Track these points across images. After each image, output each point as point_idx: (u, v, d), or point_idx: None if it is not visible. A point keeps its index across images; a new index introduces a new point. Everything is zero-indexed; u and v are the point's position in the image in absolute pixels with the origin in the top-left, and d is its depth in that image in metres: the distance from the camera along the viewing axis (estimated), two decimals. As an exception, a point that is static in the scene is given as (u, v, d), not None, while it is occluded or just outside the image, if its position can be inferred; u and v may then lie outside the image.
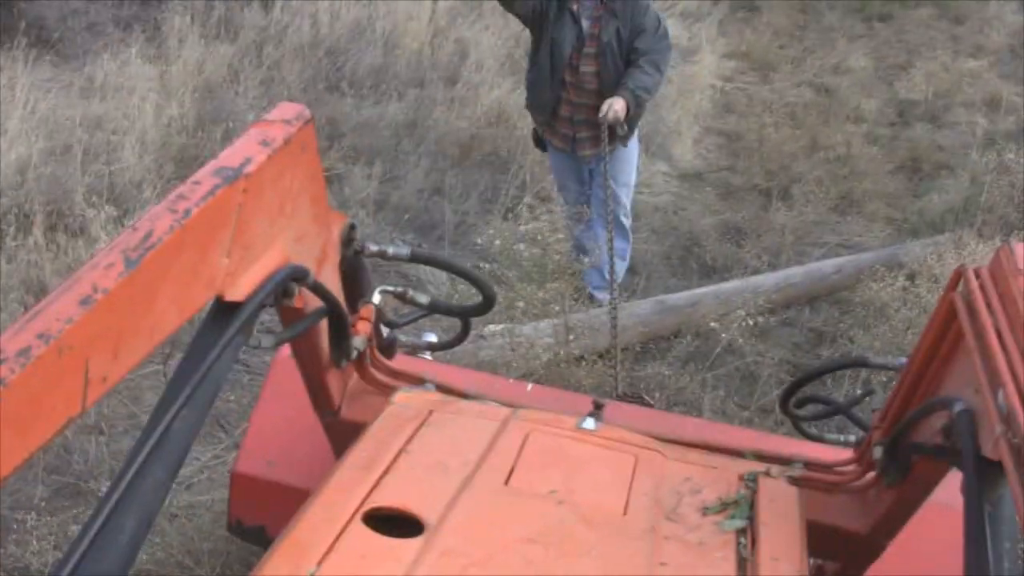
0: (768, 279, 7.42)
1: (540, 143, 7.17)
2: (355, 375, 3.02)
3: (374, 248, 2.79)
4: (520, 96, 8.96)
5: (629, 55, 6.57)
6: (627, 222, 7.25)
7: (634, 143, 7.09)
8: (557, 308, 6.15)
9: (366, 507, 2.33)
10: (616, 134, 6.51)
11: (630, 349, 6.38)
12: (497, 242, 6.62)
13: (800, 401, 3.34)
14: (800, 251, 8.26)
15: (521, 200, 7.96)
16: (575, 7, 6.54)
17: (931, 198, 9.48)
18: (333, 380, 2.85)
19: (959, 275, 2.37)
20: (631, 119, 6.64)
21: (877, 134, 11.31)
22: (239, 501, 3.59)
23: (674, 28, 12.41)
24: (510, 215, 7.74)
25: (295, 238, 2.30)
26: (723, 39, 13.70)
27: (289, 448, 3.42)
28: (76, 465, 5.25)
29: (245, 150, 2.09)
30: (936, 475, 2.55)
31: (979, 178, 9.23)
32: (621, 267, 7.06)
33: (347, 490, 2.39)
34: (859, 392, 3.42)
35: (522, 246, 6.47)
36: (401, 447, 2.58)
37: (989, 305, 2.18)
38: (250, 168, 2.03)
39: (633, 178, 7.29)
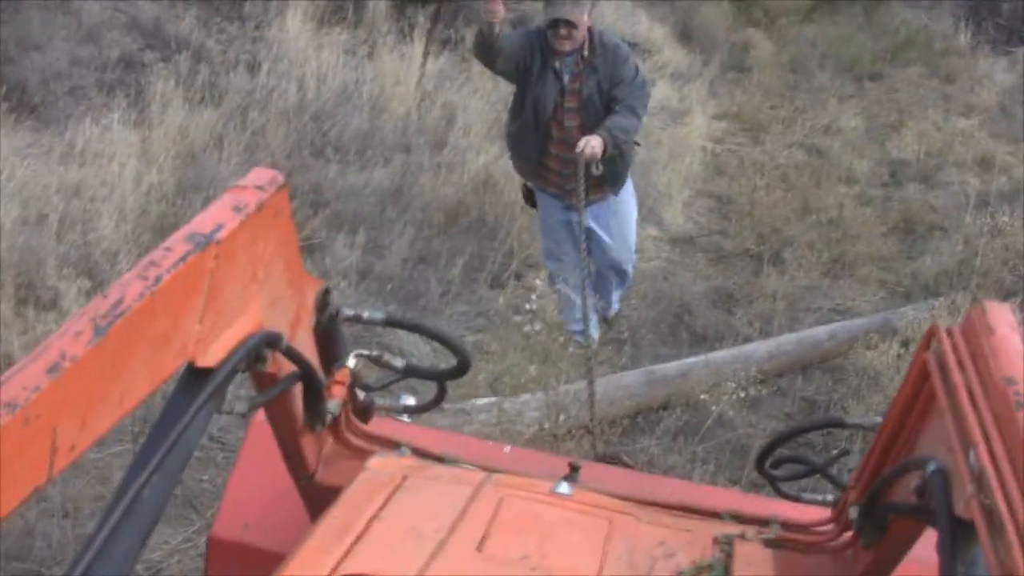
0: (760, 348, 7.28)
1: (531, 199, 7.16)
2: (330, 439, 2.97)
3: (349, 312, 2.76)
4: (508, 161, 8.89)
5: (609, 104, 6.67)
6: (631, 269, 7.49)
7: (630, 194, 7.23)
8: (553, 382, 6.00)
9: (338, 574, 2.29)
10: (591, 173, 6.47)
11: (618, 423, 6.24)
12: (491, 309, 6.51)
13: (776, 462, 3.28)
14: (792, 317, 8.13)
15: (508, 267, 7.83)
16: (557, 64, 6.64)
17: (924, 260, 9.39)
18: (308, 444, 2.81)
19: (932, 334, 2.33)
20: (615, 163, 6.73)
21: (869, 195, 11.23)
22: (216, 566, 3.48)
23: (665, 90, 12.42)
24: (496, 284, 7.61)
25: (269, 303, 2.29)
26: (713, 100, 13.67)
27: (266, 512, 3.33)
28: (39, 551, 5.04)
29: (217, 216, 2.07)
30: (912, 534, 2.50)
31: (973, 240, 9.13)
32: (616, 296, 7.50)
33: (319, 557, 2.35)
34: (835, 452, 3.38)
35: (518, 317, 6.37)
36: (374, 513, 2.54)
37: (961, 364, 2.15)
38: (222, 234, 2.02)
39: (634, 228, 7.41)
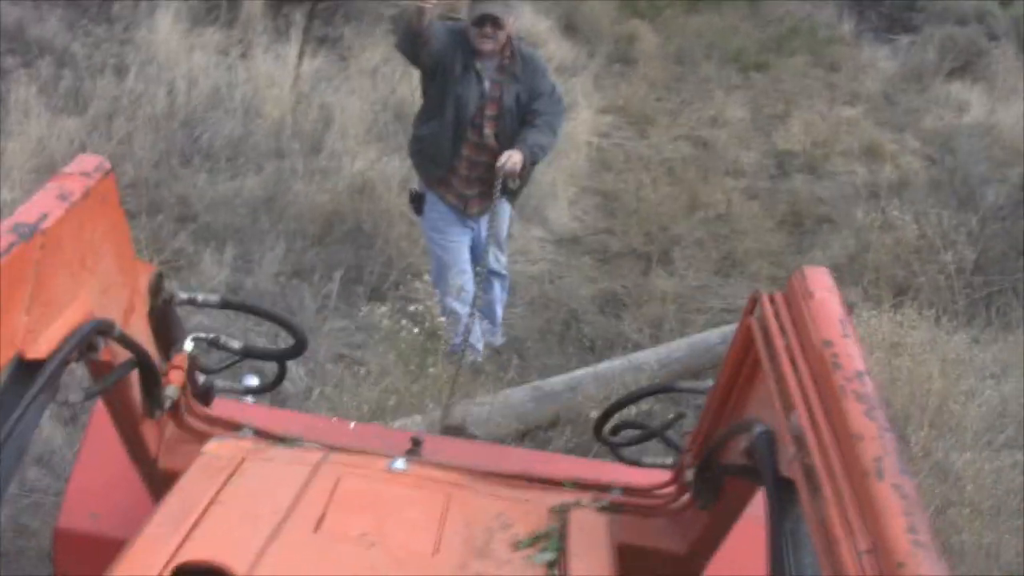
0: (650, 355, 7.04)
1: (419, 205, 6.84)
2: (171, 424, 2.98)
3: (184, 296, 2.80)
4: (385, 165, 8.61)
5: (525, 116, 6.55)
6: (506, 272, 7.32)
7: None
8: (431, 404, 5.71)
9: (175, 562, 2.29)
10: (507, 187, 6.51)
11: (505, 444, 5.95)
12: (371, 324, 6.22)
13: (616, 428, 3.36)
14: (683, 319, 7.94)
15: (388, 278, 7.52)
16: (479, 66, 6.43)
17: (815, 255, 9.28)
18: (148, 431, 2.82)
19: (755, 300, 2.44)
20: (524, 177, 6.61)
21: (757, 188, 11.15)
22: (64, 558, 3.42)
23: (548, 84, 12.14)
24: (376, 296, 7.29)
25: (100, 291, 2.28)
26: (599, 93, 13.49)
27: (112, 500, 3.29)
28: None
29: (42, 205, 2.06)
30: (746, 495, 2.57)
31: (863, 234, 9.04)
32: (500, 312, 7.28)
33: (156, 545, 2.35)
34: (671, 416, 3.31)
35: (395, 323, 6.10)
36: (212, 498, 2.55)
37: (782, 328, 2.25)
38: (47, 223, 2.01)
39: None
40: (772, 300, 2.37)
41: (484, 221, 6.71)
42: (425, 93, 6.64)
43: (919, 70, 16.37)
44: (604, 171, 11.25)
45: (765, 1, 19.74)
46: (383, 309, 6.26)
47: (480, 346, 6.90)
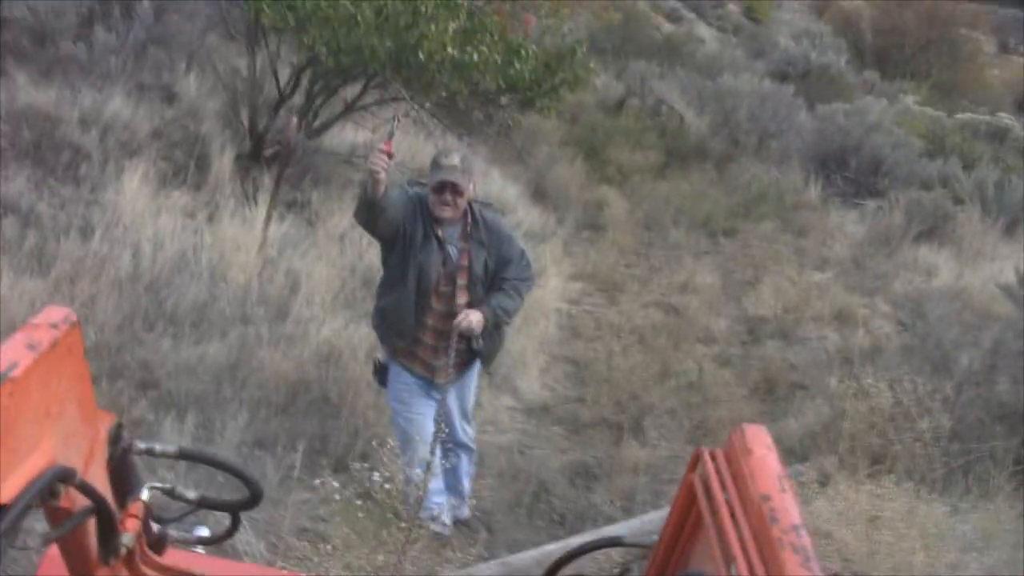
0: (622, 530, 6.84)
1: (383, 376, 6.70)
2: (125, 572, 2.88)
3: (142, 446, 2.79)
4: (353, 332, 8.44)
5: (494, 283, 6.50)
6: (473, 445, 7.14)
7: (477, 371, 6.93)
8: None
9: None
10: (471, 347, 6.48)
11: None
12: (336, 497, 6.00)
13: None
14: (655, 491, 7.77)
15: (354, 448, 7.28)
16: (440, 233, 6.32)
17: (788, 423, 9.18)
18: None
19: (697, 457, 2.53)
20: (493, 341, 6.61)
21: (728, 355, 11.09)
22: None
23: (517, 250, 12.10)
24: (340, 467, 7.06)
25: (62, 438, 2.28)
26: (568, 260, 13.50)
27: None
28: None
29: (11, 354, 2.08)
30: None
31: (836, 401, 8.92)
32: (468, 485, 7.09)
33: None
34: (616, 572, 3.43)
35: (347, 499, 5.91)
36: None
37: (723, 484, 2.33)
38: (16, 372, 2.03)
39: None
40: (713, 457, 2.47)
41: (452, 390, 6.57)
42: (385, 263, 6.52)
43: (887, 234, 16.53)
44: (574, 339, 11.17)
45: (732, 168, 20.00)
46: (335, 484, 6.08)
47: (447, 519, 6.65)
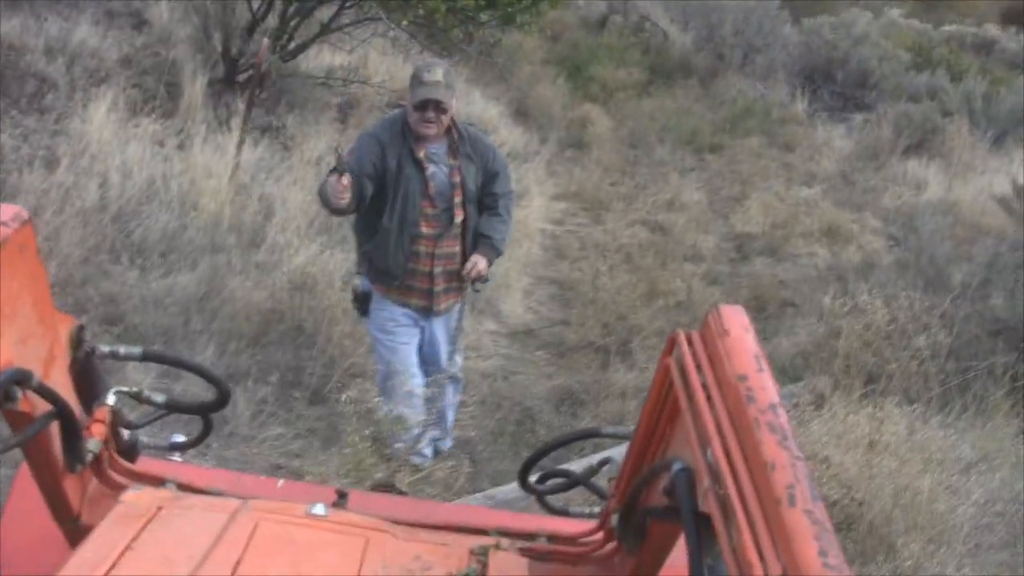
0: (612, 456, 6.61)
1: (364, 305, 6.35)
2: (95, 480, 2.89)
3: (105, 349, 2.76)
4: (328, 258, 8.18)
5: (483, 200, 6.24)
6: (460, 375, 6.87)
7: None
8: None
9: None
10: (474, 288, 6.41)
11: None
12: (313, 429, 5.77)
13: (542, 478, 3.35)
14: (644, 416, 7.51)
15: (330, 379, 7.02)
16: (421, 154, 5.97)
17: (780, 342, 8.95)
18: (70, 486, 2.74)
19: (673, 340, 2.42)
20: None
21: (717, 273, 10.90)
22: None
23: (500, 171, 11.84)
24: (317, 399, 6.81)
25: (18, 340, 2.25)
26: (552, 180, 13.25)
27: (39, 562, 3.10)
28: None
29: None
30: (670, 536, 2.54)
31: (828, 319, 8.69)
32: (452, 417, 6.85)
33: None
34: (596, 462, 3.27)
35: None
36: (127, 545, 2.52)
37: (699, 366, 2.25)
38: None
39: None
40: (689, 340, 2.36)
41: (443, 320, 6.35)
42: (357, 208, 6.09)
43: (874, 148, 16.37)
44: (559, 260, 10.94)
45: (717, 84, 19.76)
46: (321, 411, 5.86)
47: (429, 451, 6.41)
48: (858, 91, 19.71)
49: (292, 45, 12.14)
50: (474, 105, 14.94)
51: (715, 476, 1.98)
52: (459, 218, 6.13)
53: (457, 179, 6.08)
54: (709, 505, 2.00)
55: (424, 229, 6.07)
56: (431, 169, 6.01)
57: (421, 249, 6.09)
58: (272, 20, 12.12)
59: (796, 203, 13.38)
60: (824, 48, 20.49)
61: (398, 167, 5.92)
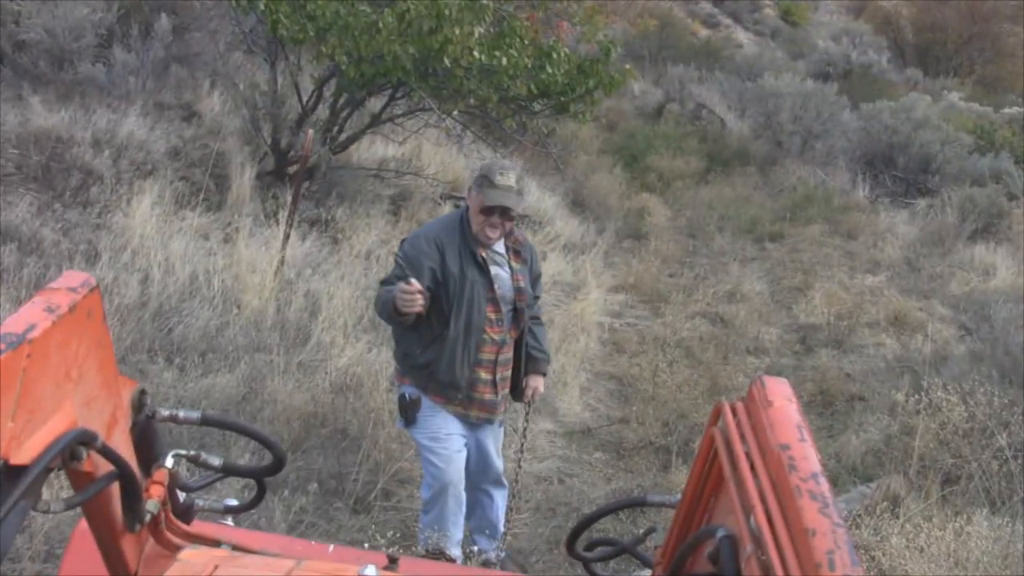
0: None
1: (412, 414, 5.81)
2: (151, 540, 2.91)
3: (166, 413, 2.80)
4: (375, 357, 7.88)
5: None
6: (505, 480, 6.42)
7: None
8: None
9: None
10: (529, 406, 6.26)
11: None
12: (357, 540, 5.41)
13: (588, 545, 3.41)
14: (709, 520, 7.10)
15: (375, 487, 6.64)
16: (483, 254, 5.66)
17: (848, 439, 8.53)
18: (128, 545, 2.75)
19: (719, 410, 2.52)
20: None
21: (781, 366, 10.50)
22: None
23: (557, 263, 11.68)
24: (361, 507, 6.43)
25: (83, 403, 2.27)
26: (609, 271, 12.98)
27: None
28: None
29: (30, 317, 2.09)
30: None
31: (901, 415, 8.27)
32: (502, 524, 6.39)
33: None
34: (642, 532, 3.28)
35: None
36: None
37: (743, 436, 2.32)
38: (34, 334, 2.04)
39: None
40: (734, 410, 2.44)
41: (491, 427, 5.97)
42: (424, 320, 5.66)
43: (939, 234, 16.02)
44: (617, 354, 10.58)
45: (776, 171, 19.50)
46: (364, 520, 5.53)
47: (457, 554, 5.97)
48: (920, 176, 19.33)
49: (343, 136, 11.99)
50: (529, 195, 14.70)
51: (758, 542, 2.03)
52: (522, 324, 5.87)
53: (520, 282, 5.80)
54: (752, 571, 2.03)
55: (489, 334, 5.73)
56: (494, 271, 5.70)
57: (484, 357, 5.74)
58: (323, 112, 11.99)
59: (861, 292, 13.05)
60: (884, 133, 20.15)
61: (461, 271, 5.58)
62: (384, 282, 5.55)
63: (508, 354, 5.85)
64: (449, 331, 5.61)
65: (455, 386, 5.70)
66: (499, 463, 6.13)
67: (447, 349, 5.63)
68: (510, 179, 5.55)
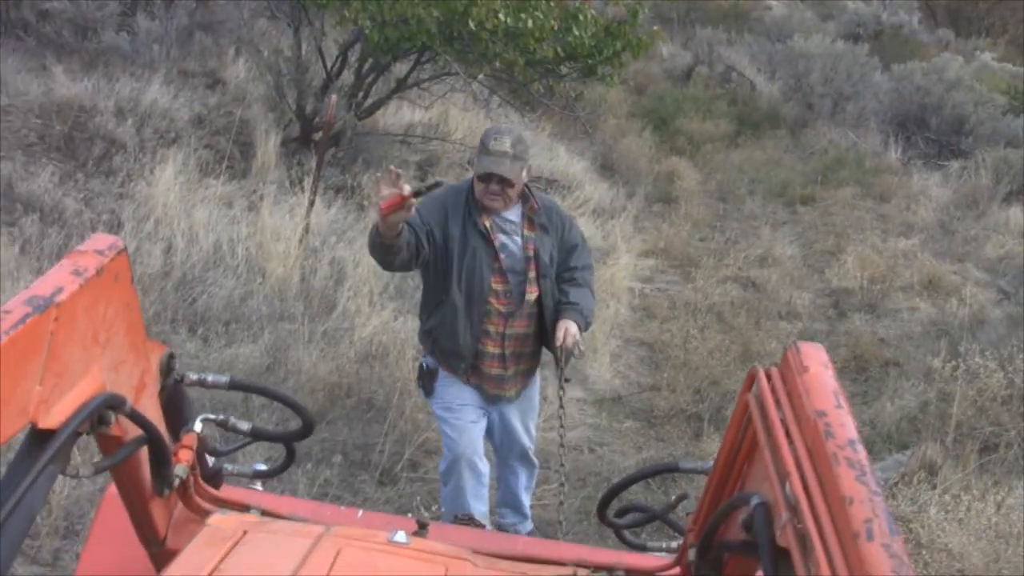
0: (707, 540, 6.09)
1: (429, 384, 5.69)
2: (180, 504, 2.97)
3: (194, 377, 2.85)
4: (401, 325, 7.77)
5: (562, 274, 5.63)
6: (535, 460, 6.16)
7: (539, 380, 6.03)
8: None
9: None
10: (567, 361, 5.51)
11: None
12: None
13: (620, 512, 3.42)
14: (741, 490, 6.97)
15: (401, 458, 6.53)
16: (487, 224, 5.38)
17: (883, 405, 8.41)
18: (157, 510, 2.81)
19: (753, 376, 2.49)
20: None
21: (814, 331, 10.35)
22: None
23: (586, 228, 11.48)
24: (387, 479, 6.31)
25: (111, 366, 2.31)
26: (639, 236, 12.82)
27: None
28: None
29: (57, 280, 2.10)
30: (747, 571, 2.55)
31: (937, 381, 8.11)
32: (527, 500, 6.19)
33: None
34: (674, 498, 3.31)
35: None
36: (214, 567, 2.53)
37: (778, 402, 2.31)
38: (61, 297, 2.06)
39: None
40: (768, 376, 2.43)
41: (515, 404, 5.75)
42: (424, 278, 5.60)
43: (973, 196, 15.78)
44: (648, 320, 10.44)
45: (807, 133, 19.29)
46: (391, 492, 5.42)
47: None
48: (953, 137, 19.07)
49: (368, 102, 11.86)
50: (558, 160, 14.60)
51: (793, 510, 2.03)
52: (532, 295, 5.53)
53: (531, 251, 5.50)
54: (787, 539, 2.03)
55: (495, 305, 5.51)
56: (501, 240, 5.46)
57: (491, 328, 5.52)
58: (347, 77, 11.87)
59: (894, 255, 12.85)
60: (916, 94, 19.88)
61: (463, 237, 5.37)
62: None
63: (520, 329, 5.56)
64: (450, 297, 5.43)
65: (458, 355, 5.54)
66: (525, 439, 5.92)
67: (448, 316, 5.47)
68: (504, 144, 5.27)
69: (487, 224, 5.40)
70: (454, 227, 5.35)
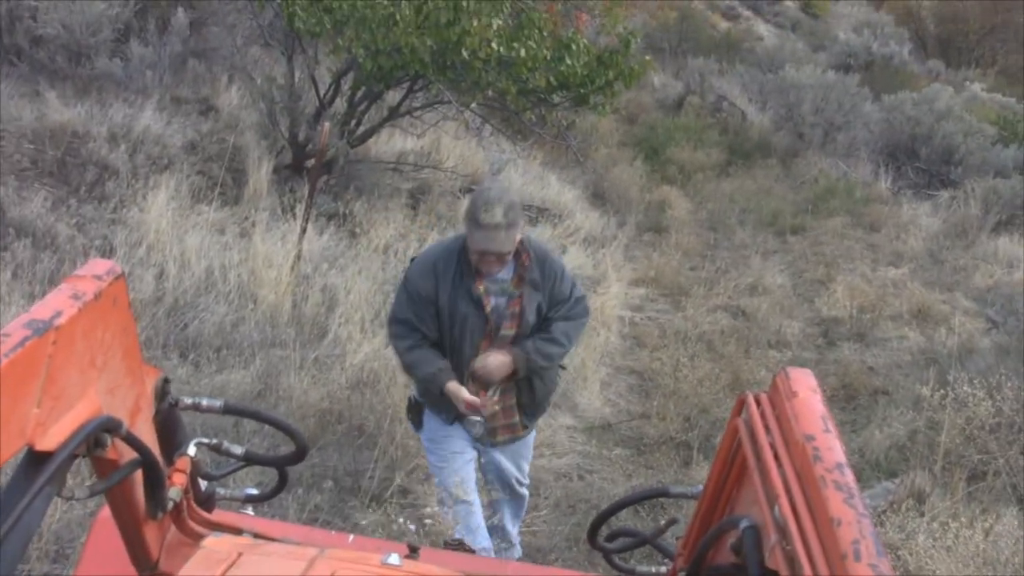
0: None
1: (417, 417, 5.69)
2: (173, 528, 2.91)
3: (188, 401, 2.85)
4: (392, 352, 7.76)
5: (542, 325, 5.42)
6: (526, 493, 6.11)
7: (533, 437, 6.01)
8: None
9: None
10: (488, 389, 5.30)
11: None
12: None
13: (609, 536, 3.45)
14: (730, 517, 6.99)
15: (391, 483, 6.54)
16: (481, 288, 5.25)
17: (872, 434, 8.43)
18: (150, 533, 2.78)
19: (742, 402, 2.55)
20: (535, 391, 5.54)
21: (803, 359, 10.41)
22: None
23: (577, 256, 11.56)
24: (377, 502, 6.32)
25: (108, 390, 2.30)
26: (630, 264, 12.88)
27: None
28: None
29: (56, 304, 2.11)
30: None
31: (925, 409, 8.16)
32: (515, 529, 6.17)
33: None
34: (663, 523, 3.35)
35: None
36: None
37: (767, 427, 2.35)
38: (60, 320, 2.06)
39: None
40: (758, 400, 2.47)
41: (506, 454, 5.72)
42: None
43: (963, 226, 15.89)
44: (638, 348, 10.49)
45: (797, 163, 19.39)
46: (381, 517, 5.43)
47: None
48: (943, 167, 19.17)
49: (361, 130, 11.91)
50: (549, 189, 14.66)
51: (782, 532, 2.06)
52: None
53: (516, 309, 5.34)
54: (776, 561, 2.06)
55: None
56: (492, 303, 5.31)
57: (477, 390, 5.36)
58: (340, 105, 11.92)
59: (883, 284, 12.94)
60: (907, 124, 19.99)
61: (452, 304, 5.25)
62: (396, 320, 5.34)
63: (506, 384, 5.42)
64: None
65: (446, 408, 5.45)
66: (515, 478, 5.86)
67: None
68: (495, 215, 5.04)
69: (481, 289, 5.28)
70: (443, 294, 5.24)
